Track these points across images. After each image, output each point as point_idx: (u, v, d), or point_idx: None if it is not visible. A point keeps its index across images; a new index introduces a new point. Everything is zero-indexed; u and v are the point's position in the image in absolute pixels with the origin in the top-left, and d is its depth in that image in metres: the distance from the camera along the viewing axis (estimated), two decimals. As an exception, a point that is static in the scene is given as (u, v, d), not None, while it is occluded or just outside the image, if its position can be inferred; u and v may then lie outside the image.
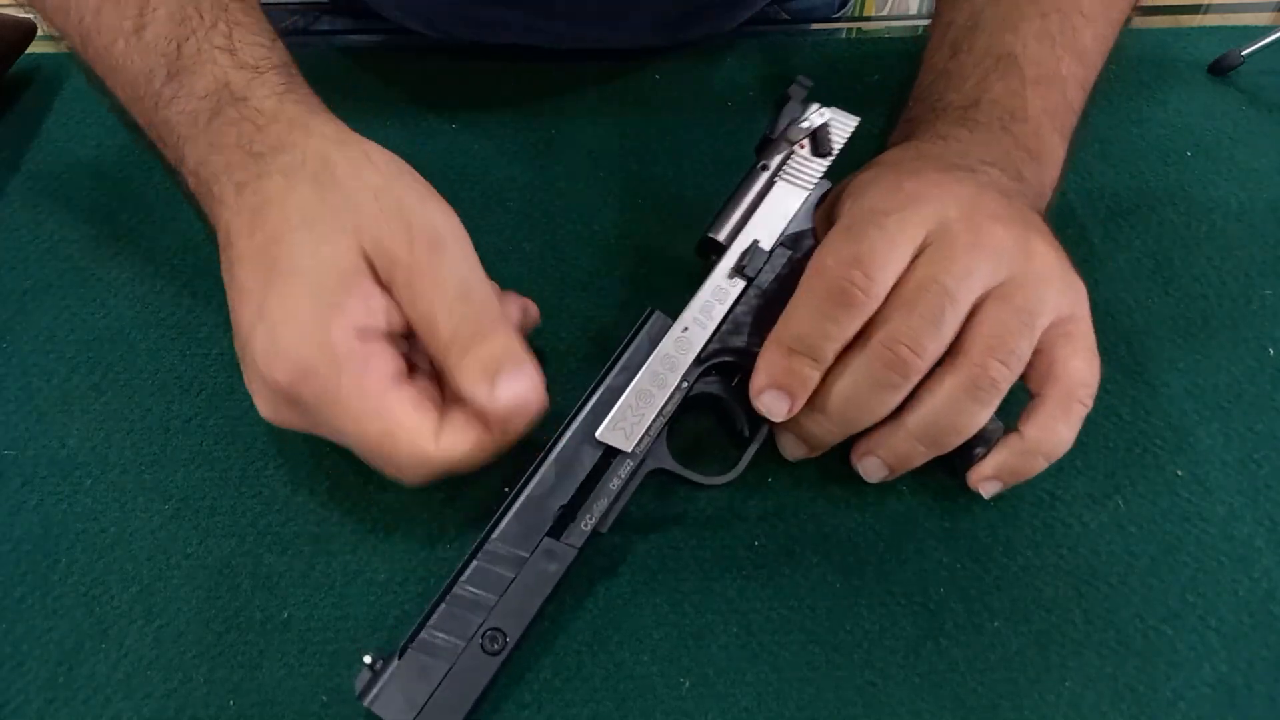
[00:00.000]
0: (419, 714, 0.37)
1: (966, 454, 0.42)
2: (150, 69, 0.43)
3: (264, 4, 0.47)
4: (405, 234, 0.38)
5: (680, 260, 0.53)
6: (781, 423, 0.42)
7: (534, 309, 0.46)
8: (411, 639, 0.38)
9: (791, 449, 0.43)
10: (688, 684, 0.40)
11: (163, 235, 0.54)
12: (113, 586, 0.42)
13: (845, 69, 0.63)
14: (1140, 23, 0.55)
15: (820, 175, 0.45)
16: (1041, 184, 0.46)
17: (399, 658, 0.37)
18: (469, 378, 0.38)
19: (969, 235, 0.39)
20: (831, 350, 0.40)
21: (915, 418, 0.40)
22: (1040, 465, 0.41)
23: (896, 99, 0.60)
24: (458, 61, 0.63)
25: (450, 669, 0.37)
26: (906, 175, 0.43)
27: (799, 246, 0.44)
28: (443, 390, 0.40)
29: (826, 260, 0.40)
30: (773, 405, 0.41)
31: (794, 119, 0.45)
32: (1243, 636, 0.41)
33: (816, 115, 0.45)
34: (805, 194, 0.45)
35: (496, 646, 0.38)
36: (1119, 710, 0.39)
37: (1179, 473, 0.46)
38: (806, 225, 0.44)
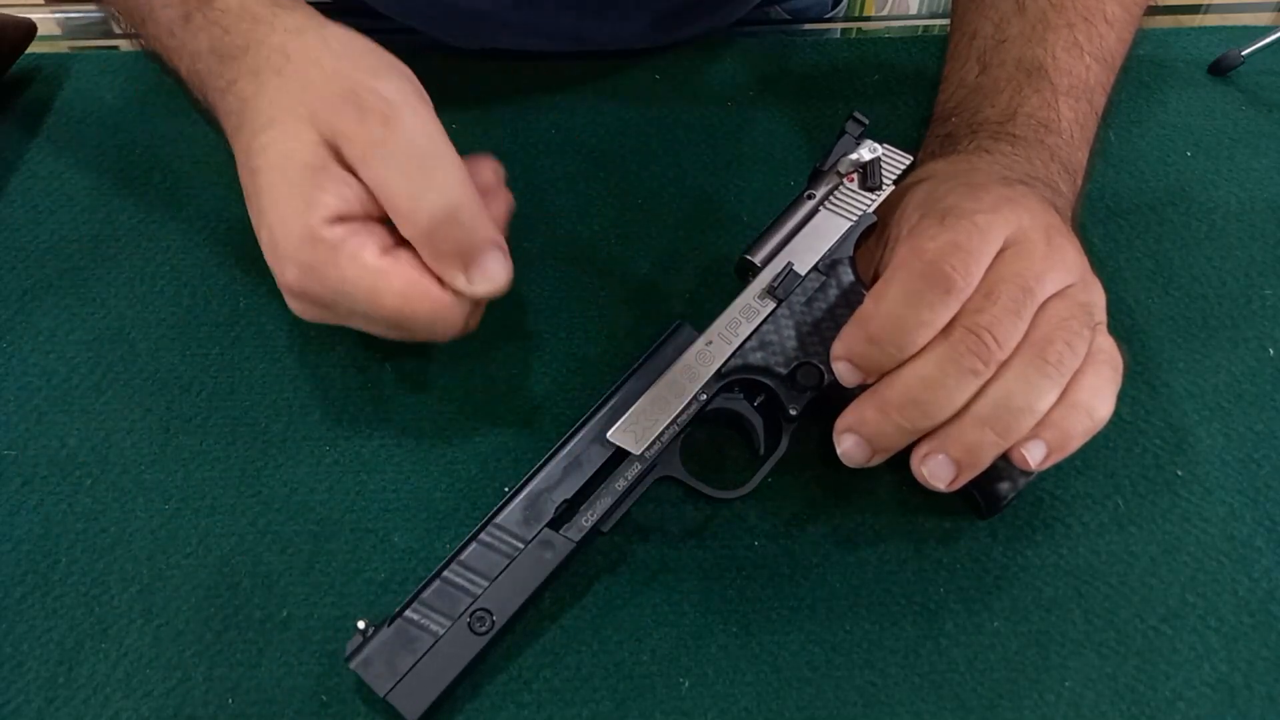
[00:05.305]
0: (399, 682, 0.37)
1: (990, 490, 0.42)
2: None
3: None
4: (356, 112, 0.38)
5: (680, 258, 0.53)
6: (846, 425, 0.41)
7: (502, 169, 0.45)
8: (402, 610, 0.39)
9: (853, 452, 0.41)
10: (687, 684, 0.40)
11: (163, 235, 0.54)
12: (113, 586, 0.42)
13: (845, 69, 0.63)
14: (1140, 23, 0.55)
15: (866, 209, 0.45)
16: (1072, 197, 0.48)
17: (388, 626, 0.38)
18: (443, 263, 0.39)
19: (1044, 245, 0.40)
20: (923, 339, 0.39)
21: (986, 401, 0.39)
22: (1085, 422, 0.40)
23: (900, 99, 0.61)
24: (457, 61, 0.63)
25: (435, 643, 0.38)
26: (977, 185, 0.43)
27: (834, 272, 0.44)
28: None
29: (926, 245, 0.40)
30: (846, 374, 0.41)
31: (845, 153, 0.45)
32: (1243, 636, 0.41)
33: (868, 150, 0.45)
34: (848, 224, 0.45)
35: (484, 628, 0.39)
36: (1119, 710, 0.39)
37: (1179, 473, 0.46)
38: (845, 254, 0.44)
